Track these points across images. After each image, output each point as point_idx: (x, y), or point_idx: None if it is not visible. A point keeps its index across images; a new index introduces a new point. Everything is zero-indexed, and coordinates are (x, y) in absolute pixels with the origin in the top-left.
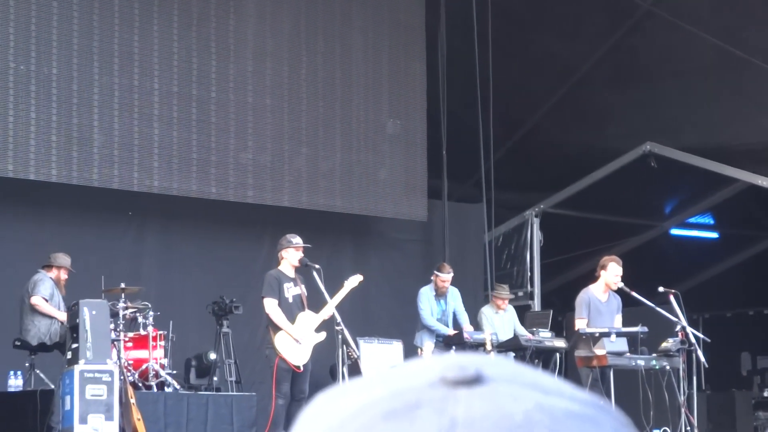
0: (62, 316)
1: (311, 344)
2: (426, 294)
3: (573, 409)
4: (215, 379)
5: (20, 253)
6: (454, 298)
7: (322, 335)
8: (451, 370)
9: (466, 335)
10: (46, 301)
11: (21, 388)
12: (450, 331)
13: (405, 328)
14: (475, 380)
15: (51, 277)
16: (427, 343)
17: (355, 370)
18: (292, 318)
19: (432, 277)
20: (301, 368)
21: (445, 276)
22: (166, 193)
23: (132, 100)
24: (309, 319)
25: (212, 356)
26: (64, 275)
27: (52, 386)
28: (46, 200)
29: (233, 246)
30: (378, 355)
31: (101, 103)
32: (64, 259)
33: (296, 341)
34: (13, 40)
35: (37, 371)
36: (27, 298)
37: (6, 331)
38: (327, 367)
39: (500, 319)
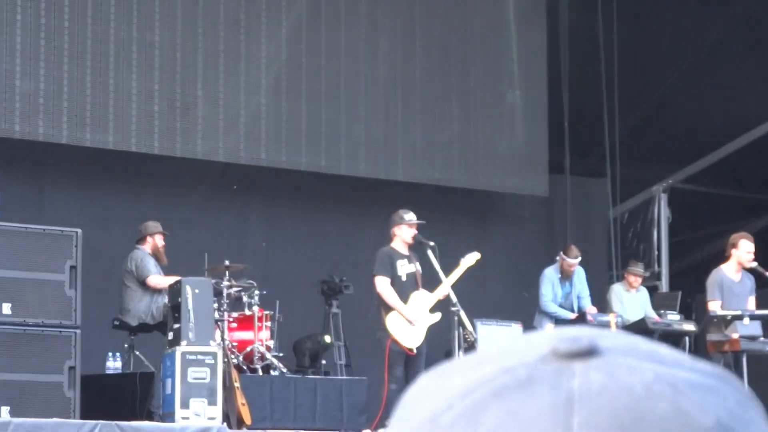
0: (168, 280)
1: (425, 326)
2: (550, 277)
3: (694, 380)
4: (323, 362)
5: (120, 229)
6: (580, 280)
7: (437, 316)
8: (563, 342)
9: (589, 317)
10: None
11: (120, 371)
12: (571, 315)
13: (524, 309)
14: (589, 352)
15: (148, 252)
16: (548, 326)
17: (472, 353)
18: (405, 298)
19: (557, 259)
20: (415, 351)
21: (572, 261)
22: (273, 166)
23: (238, 68)
24: (423, 299)
25: (328, 339)
26: (160, 241)
27: (153, 369)
28: (147, 174)
29: (343, 222)
30: (496, 337)
31: (206, 71)
32: (153, 225)
33: (409, 322)
34: (114, 5)
35: (137, 353)
36: (127, 277)
37: (106, 311)
38: (442, 350)
39: (631, 299)
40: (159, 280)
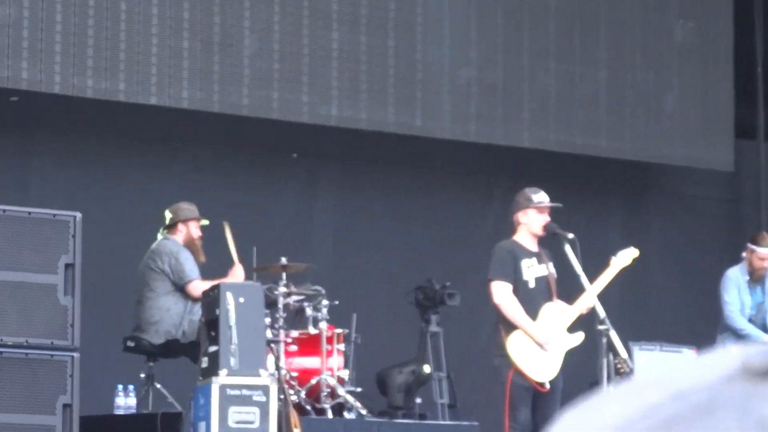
0: (235, 274)
1: (562, 351)
2: (734, 279)
3: None
4: (419, 401)
5: (133, 214)
6: None
7: (578, 338)
8: (755, 358)
9: None
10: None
11: (134, 410)
12: (766, 336)
13: (701, 328)
14: None
15: (178, 242)
16: (734, 347)
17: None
18: (534, 311)
19: (744, 254)
20: (547, 387)
21: (765, 251)
22: (348, 127)
23: None
24: (559, 314)
25: (426, 369)
26: (196, 231)
27: (179, 408)
28: (173, 137)
29: (446, 206)
30: (660, 366)
31: (254, 3)
32: (188, 209)
33: (540, 346)
34: None
35: (158, 385)
36: (155, 277)
37: (116, 327)
38: (585, 384)
39: None
40: (204, 286)
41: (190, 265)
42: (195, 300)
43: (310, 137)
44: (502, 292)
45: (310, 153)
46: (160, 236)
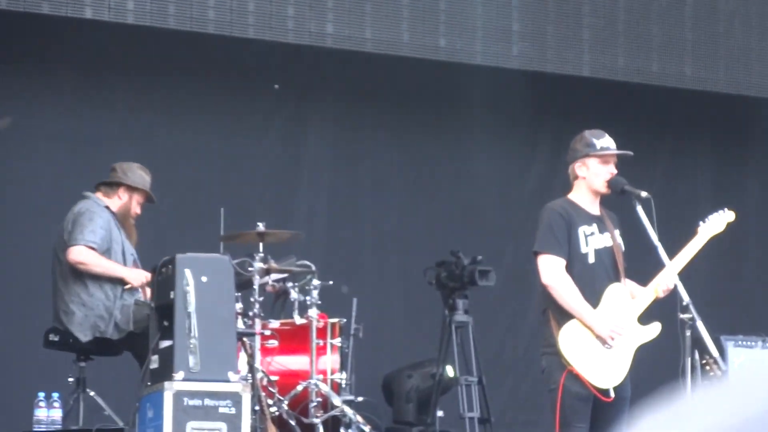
0: (133, 273)
1: (631, 348)
2: None
3: None
4: (440, 414)
5: (68, 161)
6: None
7: (653, 330)
8: None
9: None
10: (94, 250)
11: (60, 425)
12: None
13: None
14: None
15: (108, 209)
16: None
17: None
18: (594, 294)
19: None
20: (612, 395)
21: None
22: (346, 49)
23: None
24: (627, 298)
25: (450, 372)
26: (137, 208)
27: (120, 423)
28: (113, 63)
29: (477, 154)
30: (763, 368)
31: None
32: (140, 175)
33: (602, 341)
34: None
35: (91, 393)
36: (63, 251)
37: (36, 315)
38: (661, 392)
39: None
40: (89, 257)
41: (87, 229)
42: (73, 265)
43: (296, 62)
44: (553, 270)
45: (297, 83)
46: (86, 194)
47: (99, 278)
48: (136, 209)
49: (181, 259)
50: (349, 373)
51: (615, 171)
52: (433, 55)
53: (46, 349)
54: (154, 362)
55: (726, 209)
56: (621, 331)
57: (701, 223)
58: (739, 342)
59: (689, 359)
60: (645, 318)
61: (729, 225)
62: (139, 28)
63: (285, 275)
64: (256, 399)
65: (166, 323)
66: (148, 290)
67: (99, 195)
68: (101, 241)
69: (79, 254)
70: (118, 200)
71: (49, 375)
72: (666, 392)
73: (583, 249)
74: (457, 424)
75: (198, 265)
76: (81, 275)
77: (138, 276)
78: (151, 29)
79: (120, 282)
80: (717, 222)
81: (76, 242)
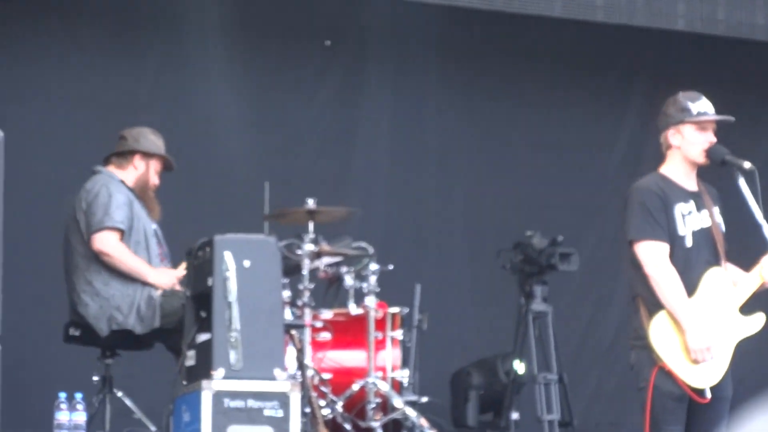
0: (160, 276)
1: (732, 342)
2: None
3: None
4: (514, 416)
5: (68, 133)
6: None
7: (758, 321)
8: None
9: None
10: (122, 232)
11: (84, 430)
12: None
13: None
14: None
15: (124, 183)
16: None
17: None
18: (692, 280)
19: None
20: (708, 395)
21: None
22: None
23: None
24: (729, 285)
25: (519, 369)
26: (155, 178)
27: (152, 427)
28: (141, 13)
29: (555, 120)
30: None
31: None
32: (155, 141)
33: (698, 337)
34: None
35: (119, 393)
36: (77, 235)
37: (58, 305)
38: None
39: None
40: (116, 250)
41: (112, 210)
42: (97, 254)
43: (351, 17)
44: (657, 259)
45: (351, 39)
46: (98, 168)
47: (118, 268)
48: (154, 179)
49: (220, 241)
50: (412, 370)
51: (714, 139)
52: (502, 5)
53: (67, 344)
54: (191, 358)
55: None
56: (720, 324)
57: None
58: None
59: None
60: (748, 307)
61: None
62: None
63: (339, 259)
64: (306, 400)
65: (203, 314)
66: (166, 281)
67: (111, 168)
68: (126, 219)
69: (107, 243)
70: (134, 171)
71: (70, 373)
72: None
73: (681, 231)
74: (535, 427)
75: (239, 247)
76: (96, 261)
77: (166, 278)
78: None
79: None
80: None
81: (101, 226)
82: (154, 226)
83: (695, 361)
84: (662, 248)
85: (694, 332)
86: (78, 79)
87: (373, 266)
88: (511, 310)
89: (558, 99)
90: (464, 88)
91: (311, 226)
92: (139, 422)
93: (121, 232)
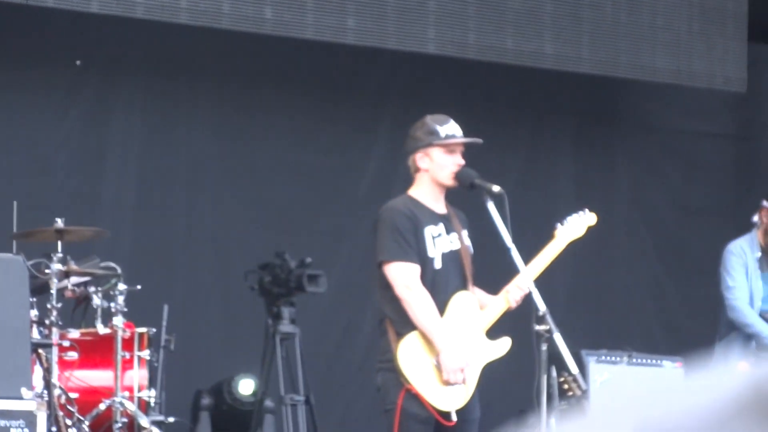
0: None
1: (479, 365)
2: (740, 255)
3: None
4: None
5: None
6: None
7: (503, 345)
8: None
9: None
10: None
11: None
12: None
13: (691, 329)
14: None
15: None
16: (742, 363)
17: (578, 416)
18: (439, 301)
19: (755, 218)
20: (454, 418)
21: None
22: (155, 18)
23: None
24: (475, 308)
25: (248, 387)
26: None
27: None
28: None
29: (304, 135)
30: (628, 387)
31: None
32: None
33: (453, 357)
34: None
35: None
36: None
37: None
38: (513, 414)
39: None
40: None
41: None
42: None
43: (102, 34)
44: (408, 280)
45: (102, 58)
46: None
47: None
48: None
49: None
50: (159, 390)
51: (462, 161)
52: (258, 28)
53: None
54: None
55: (587, 210)
56: (466, 347)
57: (558, 225)
58: (602, 358)
59: (545, 377)
60: (496, 330)
61: (590, 228)
62: None
63: (87, 278)
64: (52, 419)
65: None
66: None
67: None
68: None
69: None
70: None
71: None
72: (520, 419)
73: (431, 253)
74: None
75: None
76: None
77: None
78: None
79: None
80: (576, 225)
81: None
82: None
83: (446, 383)
84: (413, 269)
85: (448, 353)
86: None
87: (121, 286)
88: (260, 331)
89: (308, 122)
90: (214, 110)
91: (60, 245)
92: None
93: None
